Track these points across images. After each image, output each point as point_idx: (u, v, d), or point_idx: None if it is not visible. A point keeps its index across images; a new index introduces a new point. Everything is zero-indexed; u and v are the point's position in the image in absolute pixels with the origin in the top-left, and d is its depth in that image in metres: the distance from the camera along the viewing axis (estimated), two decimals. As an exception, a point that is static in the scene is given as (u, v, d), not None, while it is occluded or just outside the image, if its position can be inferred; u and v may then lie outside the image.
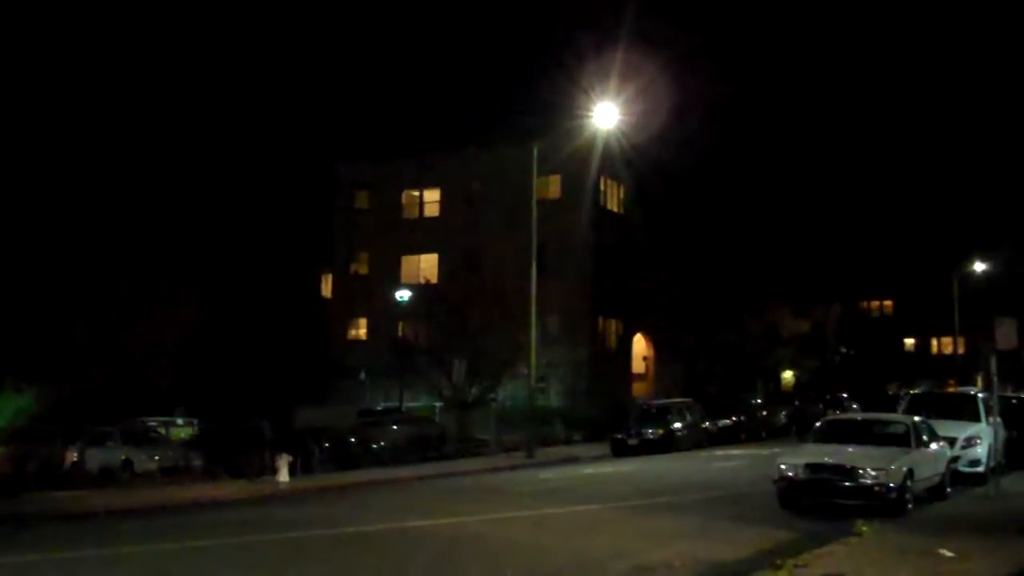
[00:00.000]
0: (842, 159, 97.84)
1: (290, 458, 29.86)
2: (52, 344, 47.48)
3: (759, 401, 53.34)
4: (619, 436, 39.71)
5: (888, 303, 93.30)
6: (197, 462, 32.92)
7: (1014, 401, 34.70)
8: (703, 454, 37.79)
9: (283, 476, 29.11)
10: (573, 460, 36.81)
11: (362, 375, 51.09)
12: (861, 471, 18.58)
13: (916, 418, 21.77)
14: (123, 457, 32.10)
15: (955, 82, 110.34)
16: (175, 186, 56.51)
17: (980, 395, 27.08)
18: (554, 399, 49.56)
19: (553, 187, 53.75)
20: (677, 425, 40.55)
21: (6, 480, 28.07)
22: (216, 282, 56.86)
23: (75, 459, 31.18)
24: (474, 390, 43.70)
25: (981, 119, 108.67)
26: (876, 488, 18.36)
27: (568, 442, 44.75)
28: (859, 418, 25.49)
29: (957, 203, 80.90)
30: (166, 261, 53.52)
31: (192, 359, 53.80)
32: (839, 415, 33.21)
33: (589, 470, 32.71)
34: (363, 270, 60.24)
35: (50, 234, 50.23)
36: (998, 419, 23.33)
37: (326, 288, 64.72)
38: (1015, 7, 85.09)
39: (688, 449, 39.36)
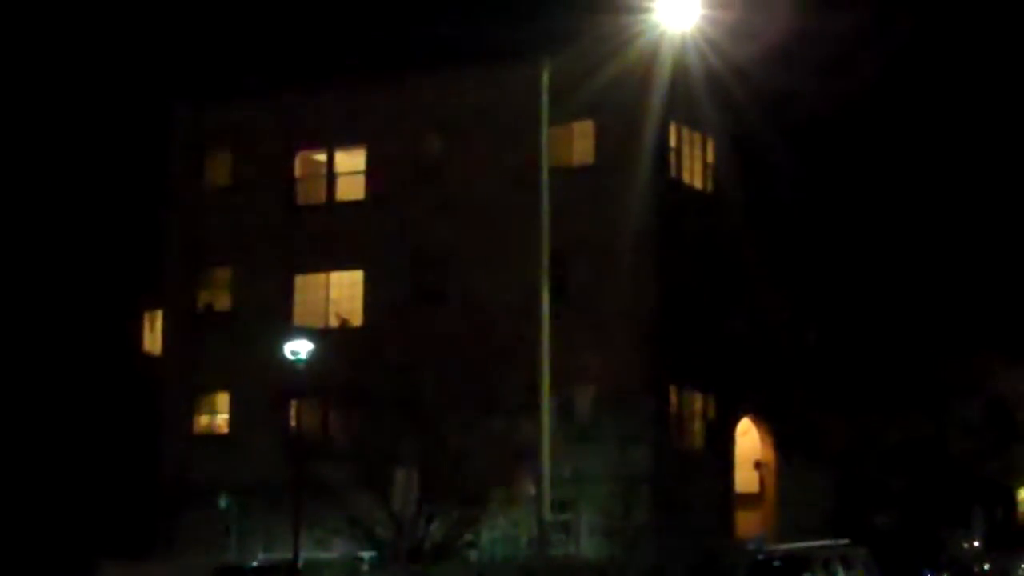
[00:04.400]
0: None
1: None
2: None
3: (977, 544, 53.11)
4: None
5: None
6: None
7: None
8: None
9: None
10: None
11: (222, 501, 50.85)
12: None
13: None
14: None
15: None
16: None
17: None
18: (588, 543, 49.33)
19: (582, 144, 53.71)
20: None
21: None
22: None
23: None
24: (436, 528, 43.50)
25: None
26: None
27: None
28: None
29: None
30: None
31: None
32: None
33: None
34: (222, 303, 60.06)
35: None
36: None
37: (154, 340, 64.50)
38: None
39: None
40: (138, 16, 71.11)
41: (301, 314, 56.00)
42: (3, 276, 57.65)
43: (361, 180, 58.58)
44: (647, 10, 37.28)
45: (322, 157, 59.52)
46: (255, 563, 43.78)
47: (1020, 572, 49.94)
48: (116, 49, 66.50)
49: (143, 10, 70.73)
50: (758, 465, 60.37)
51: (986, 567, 49.40)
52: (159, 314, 63.13)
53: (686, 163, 56.89)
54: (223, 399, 59.08)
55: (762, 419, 59.67)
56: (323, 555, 46.02)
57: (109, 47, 65.65)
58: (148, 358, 63.88)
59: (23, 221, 58.60)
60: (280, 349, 50.42)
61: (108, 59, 65.56)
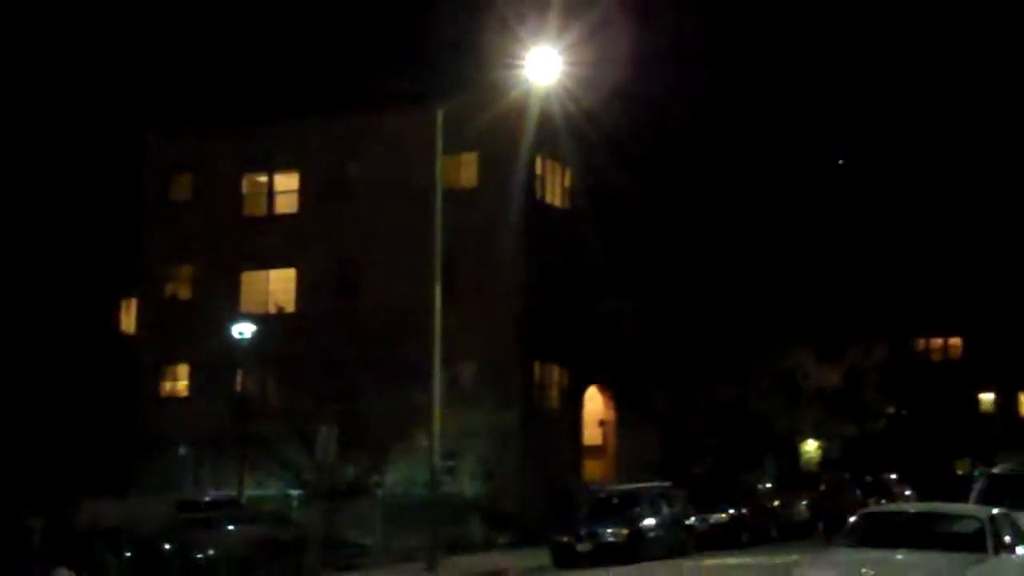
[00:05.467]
0: (880, 137, 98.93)
1: (70, 573, 29.48)
2: None
3: (769, 486, 53.75)
4: (563, 539, 39.59)
5: (955, 342, 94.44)
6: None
7: None
8: (688, 564, 38.09)
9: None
10: (496, 575, 36.68)
11: (182, 450, 50.53)
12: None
13: (995, 511, 21.93)
14: None
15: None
16: None
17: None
18: (469, 485, 49.38)
19: (468, 171, 53.89)
20: (649, 522, 40.55)
21: None
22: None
23: None
24: (350, 472, 43.47)
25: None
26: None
27: (490, 547, 44.68)
28: (913, 511, 25.64)
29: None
30: None
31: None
32: (884, 506, 33.40)
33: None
34: (184, 293, 59.82)
35: None
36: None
37: (129, 320, 64.06)
38: None
39: (664, 557, 39.46)
40: (121, 61, 70.66)
41: (246, 303, 55.83)
42: (9, 273, 56.87)
43: (295, 197, 58.52)
44: (519, 66, 37.70)
45: (264, 179, 59.36)
46: (207, 498, 43.41)
47: (801, 509, 50.40)
48: (106, 88, 65.99)
49: (126, 57, 70.30)
50: (602, 423, 60.74)
51: (775, 503, 49.82)
52: (134, 302, 62.78)
53: (549, 187, 57.24)
54: (184, 369, 58.80)
55: (605, 387, 60.08)
56: (261, 492, 45.84)
57: (101, 87, 65.12)
58: (125, 336, 63.45)
59: (27, 228, 57.95)
60: (229, 330, 50.38)
61: (99, 97, 65.03)
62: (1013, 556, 20.67)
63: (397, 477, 45.17)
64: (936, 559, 19.56)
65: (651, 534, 40.29)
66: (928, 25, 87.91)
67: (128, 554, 33.70)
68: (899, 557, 19.81)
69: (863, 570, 19.49)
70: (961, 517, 21.90)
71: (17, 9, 66.37)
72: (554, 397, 57.49)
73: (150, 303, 60.86)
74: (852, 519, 23.38)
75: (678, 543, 41.41)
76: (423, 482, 40.63)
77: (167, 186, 60.58)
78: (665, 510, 41.81)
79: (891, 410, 71.35)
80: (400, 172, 50.66)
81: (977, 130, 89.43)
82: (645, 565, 37.86)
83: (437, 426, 38.35)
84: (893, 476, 59.57)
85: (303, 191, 58.26)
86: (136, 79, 71.91)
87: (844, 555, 20.84)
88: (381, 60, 58.30)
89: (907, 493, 52.40)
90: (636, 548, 39.15)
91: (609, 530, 39.47)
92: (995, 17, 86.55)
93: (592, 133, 52.84)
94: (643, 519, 40.52)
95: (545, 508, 46.62)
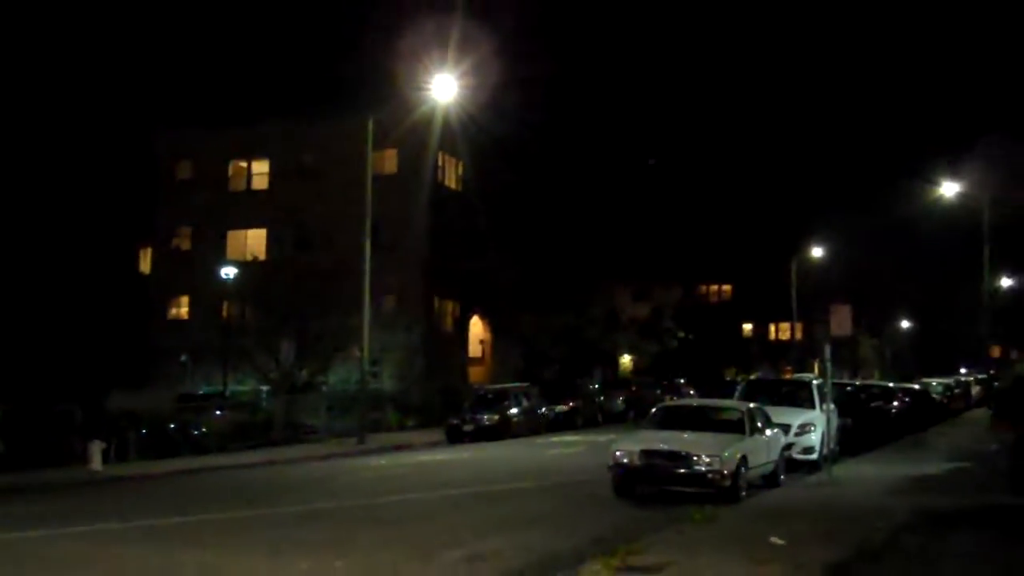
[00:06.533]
0: (681, 142, 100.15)
1: (103, 444, 29.26)
2: None
3: (597, 386, 54.31)
4: (454, 422, 39.88)
5: (727, 288, 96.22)
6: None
7: (849, 388, 36.41)
8: (539, 440, 38.32)
9: (95, 463, 28.46)
10: (406, 447, 36.85)
11: (183, 357, 50.04)
12: (695, 458, 19.11)
13: (751, 405, 22.50)
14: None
15: (796, 65, 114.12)
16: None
17: (815, 382, 28.23)
18: (388, 383, 49.50)
19: (390, 162, 53.73)
20: (513, 411, 40.94)
21: None
22: (19, 255, 54.67)
23: None
24: (303, 373, 43.26)
25: (820, 107, 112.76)
26: (710, 475, 18.92)
27: (402, 428, 44.78)
28: (695, 404, 26.21)
29: (795, 189, 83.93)
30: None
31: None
32: (675, 401, 34.04)
33: (423, 457, 32.81)
34: (186, 245, 59.09)
35: None
36: (832, 406, 24.29)
37: (145, 264, 63.19)
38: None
39: (525, 435, 39.79)
40: (147, 74, 69.48)
41: (230, 253, 55.15)
42: (60, 229, 55.64)
43: (266, 178, 58.02)
44: (427, 88, 37.61)
45: (244, 164, 58.73)
46: (201, 392, 43.10)
47: (619, 403, 51.02)
48: (134, 94, 65.00)
49: (150, 70, 69.07)
50: (481, 342, 61.03)
51: (600, 399, 50.37)
52: (149, 250, 61.86)
53: (447, 174, 57.31)
54: (184, 300, 58.16)
55: (485, 316, 60.35)
56: (240, 388, 45.59)
57: (131, 93, 64.01)
58: (142, 275, 62.47)
59: (73, 197, 56.73)
60: (218, 272, 49.87)
61: (129, 99, 64.05)
62: (762, 436, 21.30)
63: (336, 378, 45.13)
64: (711, 437, 20.10)
65: (515, 419, 40.66)
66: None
67: (144, 431, 33.43)
68: (685, 435, 20.31)
69: (660, 444, 19.98)
70: (728, 408, 22.46)
71: (75, 26, 64.94)
72: (448, 323, 57.71)
73: (161, 252, 60.06)
74: (653, 410, 23.89)
75: (533, 425, 41.82)
76: (355, 381, 40.67)
77: (174, 167, 59.59)
78: (524, 403, 42.17)
79: (682, 335, 72.42)
80: (342, 161, 50.19)
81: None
82: (510, 441, 38.28)
83: (366, 342, 38.50)
84: (682, 381, 60.52)
85: (272, 173, 57.78)
86: (154, 88, 70.99)
87: (648, 434, 21.31)
88: (330, 79, 57.86)
89: (692, 392, 53.21)
90: (504, 429, 39.54)
91: (486, 416, 39.81)
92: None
93: (478, 136, 52.88)
94: (509, 409, 40.87)
95: (441, 401, 46.81)
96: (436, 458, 32.16)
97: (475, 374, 58.57)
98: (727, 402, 24.27)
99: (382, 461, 31.41)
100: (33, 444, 30.93)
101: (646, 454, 19.60)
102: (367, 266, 37.89)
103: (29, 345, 50.30)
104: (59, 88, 60.96)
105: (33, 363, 47.41)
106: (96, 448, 28.84)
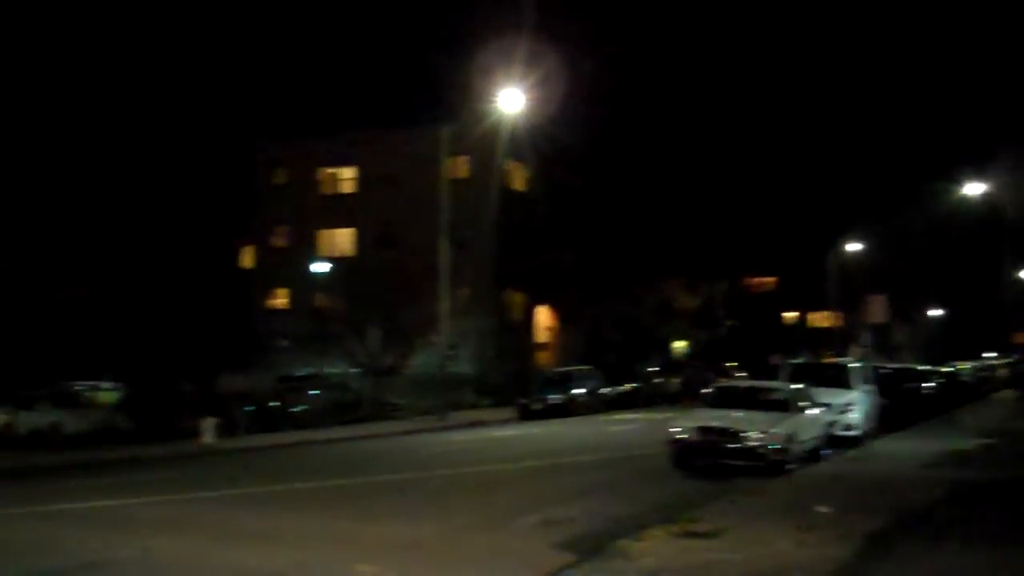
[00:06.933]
0: (726, 144, 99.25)
1: (215, 420, 29.80)
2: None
3: (653, 369, 54.21)
4: (524, 401, 40.09)
5: (771, 280, 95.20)
6: (125, 424, 32.40)
7: (885, 371, 36.05)
8: (602, 418, 38.37)
9: (208, 438, 29.04)
10: (481, 424, 37.10)
11: (282, 343, 50.68)
12: (746, 434, 19.09)
13: (796, 385, 22.45)
14: (52, 420, 31.41)
15: (836, 60, 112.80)
16: (102, 161, 55.08)
17: (854, 365, 28.08)
18: (464, 367, 49.66)
19: (463, 167, 53.90)
20: (578, 391, 41.04)
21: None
22: (139, 252, 55.68)
23: (6, 422, 30.56)
24: (389, 358, 43.67)
25: (858, 104, 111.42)
26: (759, 450, 18.90)
27: (476, 407, 45.00)
28: (745, 385, 26.12)
29: (834, 187, 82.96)
30: (91, 231, 52.27)
31: (117, 324, 52.73)
32: (728, 382, 33.92)
33: (497, 433, 33.04)
34: (283, 243, 59.73)
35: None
36: (871, 387, 24.14)
37: (247, 260, 64.02)
38: None
39: (588, 414, 39.88)
40: (245, 93, 70.36)
41: (323, 248, 55.83)
42: (174, 228, 56.39)
43: (354, 183, 58.56)
44: (497, 100, 37.70)
45: (332, 170, 59.26)
46: (300, 374, 43.59)
47: (673, 385, 50.81)
48: (237, 110, 65.80)
49: (248, 89, 69.98)
50: (548, 329, 61.08)
51: (656, 381, 50.20)
52: (249, 248, 62.72)
53: (515, 178, 57.39)
54: (283, 292, 58.82)
55: (551, 305, 60.38)
56: (333, 370, 46.08)
57: (235, 110, 64.83)
58: (244, 270, 63.30)
59: (186, 201, 57.47)
60: (310, 268, 50.45)
61: (234, 115, 64.83)
62: (807, 414, 21.23)
63: (418, 362, 45.47)
64: (760, 415, 20.07)
65: (579, 399, 40.81)
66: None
67: (249, 408, 34.01)
68: (737, 414, 20.29)
69: (714, 421, 20.00)
70: (776, 389, 22.42)
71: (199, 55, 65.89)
72: (516, 312, 57.83)
73: (261, 249, 60.86)
74: (706, 391, 23.91)
75: (596, 404, 41.90)
76: (436, 365, 40.99)
77: (271, 174, 60.27)
78: (588, 384, 42.30)
79: (730, 323, 71.87)
80: (420, 167, 50.28)
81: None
82: (575, 418, 38.41)
83: (445, 328, 38.88)
84: (732, 364, 60.24)
85: (359, 179, 58.28)
86: (254, 103, 71.88)
87: (703, 412, 21.33)
88: (411, 93, 58.33)
89: (742, 375, 52.94)
90: (570, 407, 39.71)
91: (553, 396, 40.02)
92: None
93: (543, 141, 52.85)
94: (574, 389, 41.05)
95: (512, 382, 46.94)
96: (509, 434, 32.37)
97: (542, 358, 58.60)
98: (775, 383, 24.15)
99: (461, 436, 31.67)
100: (153, 421, 31.69)
101: (701, 430, 19.62)
102: (443, 261, 38.28)
103: (148, 333, 51.26)
104: (175, 105, 61.98)
105: (152, 349, 48.34)
106: (208, 424, 29.44)
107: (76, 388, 36.65)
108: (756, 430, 19.08)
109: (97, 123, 56.14)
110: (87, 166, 53.90)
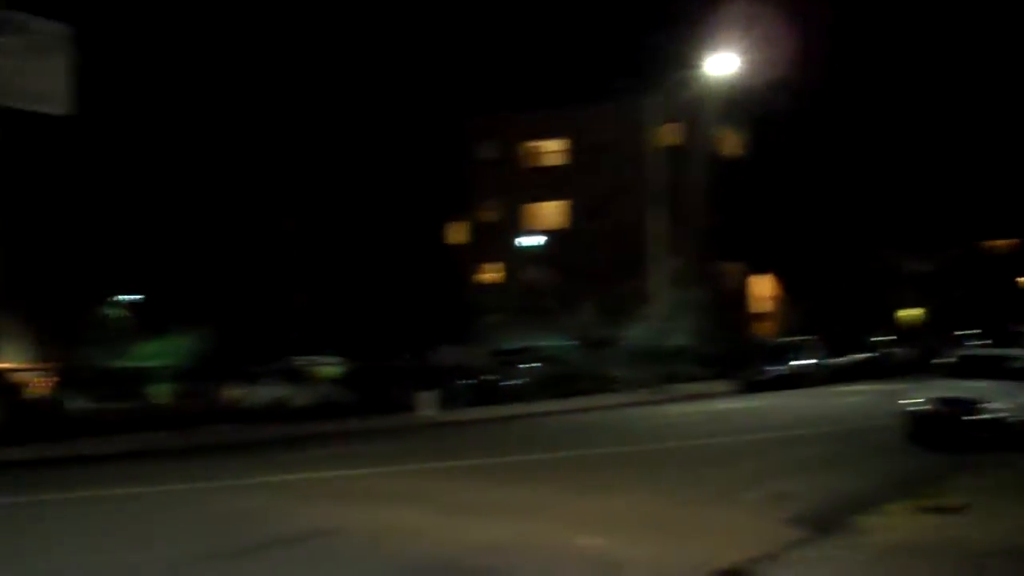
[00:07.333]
0: (955, 103, 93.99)
1: (434, 393, 30.46)
2: (212, 295, 48.66)
3: (882, 339, 52.25)
4: (746, 372, 39.42)
5: (1007, 243, 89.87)
6: (347, 398, 33.54)
7: None
8: (827, 390, 37.38)
9: (428, 410, 29.71)
10: (701, 396, 36.66)
11: (495, 316, 51.41)
12: (989, 405, 18.12)
13: (1040, 353, 21.06)
14: (280, 394, 32.88)
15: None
16: (316, 147, 57.16)
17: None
18: (680, 338, 49.17)
19: (672, 135, 52.98)
20: (802, 362, 40.08)
21: (176, 414, 29.15)
22: (355, 233, 57.58)
23: (237, 396, 32.17)
24: (603, 330, 43.62)
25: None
26: (1006, 422, 17.84)
27: (695, 379, 44.46)
28: (990, 353, 24.84)
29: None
30: (310, 216, 54.44)
31: (338, 303, 54.79)
32: (971, 350, 32.27)
33: (717, 405, 32.54)
34: (491, 217, 60.49)
35: (208, 199, 51.22)
36: None
37: (458, 235, 65.19)
38: None
39: (814, 385, 38.96)
40: (455, 73, 71.67)
41: (533, 222, 56.28)
42: (387, 205, 58.02)
43: (563, 155, 58.64)
44: (707, 65, 36.93)
45: (542, 143, 59.49)
46: (514, 347, 44.04)
47: (902, 354, 48.96)
48: (449, 90, 66.88)
49: (458, 68, 71.26)
50: (769, 299, 59.72)
51: (886, 351, 48.38)
52: (463, 224, 63.86)
53: (729, 144, 56.19)
54: (494, 266, 59.60)
55: (772, 274, 58.97)
56: (545, 343, 46.35)
57: (447, 90, 65.98)
58: (456, 246, 64.47)
59: (399, 179, 59.00)
60: (522, 241, 50.91)
61: (447, 95, 65.85)
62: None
63: (633, 333, 45.27)
64: (1005, 385, 18.99)
65: (803, 370, 39.89)
66: None
67: (467, 381, 34.64)
68: (979, 384, 19.27)
69: (954, 392, 19.00)
70: (1018, 357, 21.10)
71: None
72: (735, 282, 56.79)
73: (473, 225, 61.88)
74: (945, 360, 22.74)
75: (821, 376, 40.84)
76: (651, 337, 40.65)
77: (480, 150, 61.11)
78: (814, 355, 41.31)
79: (963, 290, 68.48)
80: (630, 137, 50.00)
81: None
82: (800, 390, 37.53)
83: (659, 299, 38.48)
84: (969, 332, 57.45)
85: (569, 151, 58.29)
86: (461, 81, 72.99)
87: (941, 382, 20.39)
88: (616, 65, 57.89)
89: (983, 343, 50.37)
90: (794, 379, 38.90)
91: (777, 367, 39.25)
92: None
93: (758, 108, 51.55)
94: (798, 360, 40.15)
95: (730, 353, 46.14)
96: (729, 406, 31.81)
97: (761, 329, 57.40)
98: (1020, 351, 22.71)
99: (679, 409, 31.35)
100: (375, 394, 32.66)
101: (941, 401, 18.74)
102: (655, 231, 37.87)
103: (368, 310, 53.08)
104: (384, 84, 63.56)
105: (372, 326, 50.01)
106: (428, 397, 30.14)
107: (300, 363, 38.25)
108: (1001, 401, 18.02)
109: (312, 107, 58.33)
110: (310, 151, 56.13)
